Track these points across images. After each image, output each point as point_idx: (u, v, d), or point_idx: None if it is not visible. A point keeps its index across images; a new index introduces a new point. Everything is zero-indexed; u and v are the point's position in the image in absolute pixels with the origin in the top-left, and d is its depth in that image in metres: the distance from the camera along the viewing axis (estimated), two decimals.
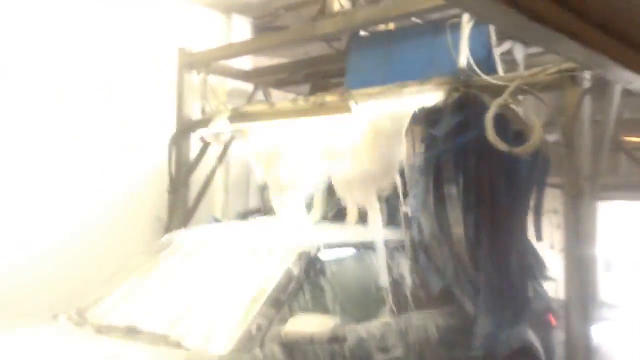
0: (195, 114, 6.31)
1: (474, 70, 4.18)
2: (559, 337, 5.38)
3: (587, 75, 3.88)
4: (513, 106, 4.06)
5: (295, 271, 3.64)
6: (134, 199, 6.26)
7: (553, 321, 5.13)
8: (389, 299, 4.04)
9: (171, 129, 6.35)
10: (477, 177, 4.49)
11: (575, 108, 3.86)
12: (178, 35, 6.56)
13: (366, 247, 4.21)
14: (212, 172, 6.35)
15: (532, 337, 4.95)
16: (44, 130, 5.62)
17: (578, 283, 4.01)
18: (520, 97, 4.12)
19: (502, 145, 3.97)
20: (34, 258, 5.34)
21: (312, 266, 3.74)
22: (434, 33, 4.81)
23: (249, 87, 7.17)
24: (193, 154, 6.34)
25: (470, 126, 4.50)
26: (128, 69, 6.26)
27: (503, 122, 4.09)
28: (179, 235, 4.61)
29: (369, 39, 5.52)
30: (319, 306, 3.65)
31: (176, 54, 6.41)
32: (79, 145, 5.87)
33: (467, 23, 4.33)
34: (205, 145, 6.13)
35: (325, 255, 3.87)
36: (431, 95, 4.27)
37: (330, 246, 3.98)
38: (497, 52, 4.54)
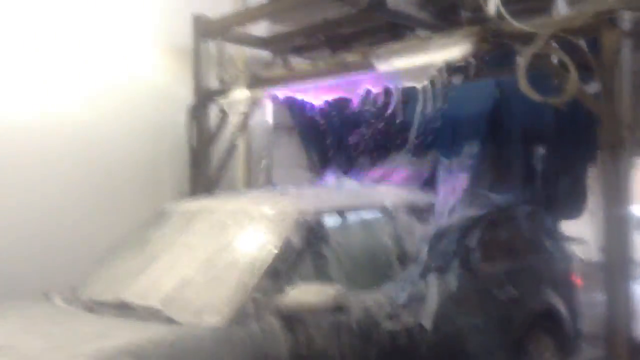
0: (213, 84, 6.16)
1: (503, 17, 3.93)
2: (584, 298, 5.31)
3: (627, 16, 3.63)
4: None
5: (295, 239, 3.45)
6: (155, 174, 6.19)
7: (578, 282, 5.03)
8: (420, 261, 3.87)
9: (189, 100, 6.22)
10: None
11: (615, 52, 3.61)
12: (191, 3, 6.39)
13: (375, 211, 4.02)
14: (233, 143, 6.20)
15: (556, 299, 4.87)
16: (60, 101, 5.53)
17: (618, 242, 3.81)
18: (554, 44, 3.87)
19: (535, 96, 3.76)
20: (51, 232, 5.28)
21: (312, 233, 3.55)
22: None
23: (267, 55, 6.97)
24: (212, 125, 6.21)
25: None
26: (143, 39, 6.14)
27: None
28: (174, 205, 4.40)
29: None
30: (322, 275, 3.47)
31: (191, 22, 6.25)
32: (96, 121, 5.78)
33: None
34: (225, 115, 5.99)
35: (327, 221, 3.69)
36: (458, 47, 4.04)
37: (334, 210, 3.81)
38: None
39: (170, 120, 6.30)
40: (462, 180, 4.48)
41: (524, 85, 3.74)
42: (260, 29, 6.83)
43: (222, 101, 5.77)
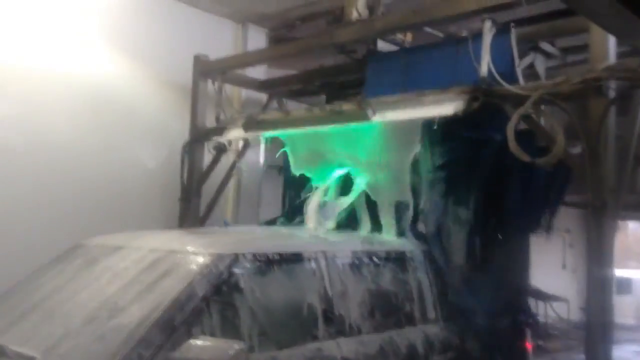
0: (209, 123, 6.28)
1: (495, 80, 4.09)
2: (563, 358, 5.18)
3: (612, 85, 3.79)
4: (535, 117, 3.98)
5: (200, 286, 3.02)
6: (145, 207, 6.22)
7: (528, 347, 4.83)
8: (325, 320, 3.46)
9: (185, 136, 6.31)
10: (493, 193, 4.47)
11: (601, 119, 3.76)
12: (194, 43, 6.56)
13: (312, 258, 3.61)
14: (225, 181, 6.29)
15: None
16: (54, 135, 5.59)
17: (600, 303, 3.84)
18: (542, 107, 4.03)
19: (524, 156, 3.88)
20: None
21: (225, 280, 3.13)
22: (454, 48, 4.76)
23: (262, 97, 7.13)
24: (206, 162, 6.30)
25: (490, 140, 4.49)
26: (143, 76, 6.26)
27: (526, 135, 4.02)
28: (93, 239, 4.00)
29: (387, 55, 5.46)
30: (231, 330, 3.05)
31: (191, 62, 6.39)
32: (92, 152, 5.85)
33: (489, 32, 4.25)
34: (219, 153, 6.09)
35: (249, 267, 3.27)
36: (451, 104, 4.18)
37: (263, 255, 3.38)
38: (518, 63, 4.46)
39: (164, 155, 6.39)
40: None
41: (512, 146, 3.85)
42: (258, 71, 7.01)
43: (218, 140, 5.86)
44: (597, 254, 3.86)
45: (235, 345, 2.75)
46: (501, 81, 4.06)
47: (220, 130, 5.85)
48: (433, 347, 3.99)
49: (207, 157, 6.27)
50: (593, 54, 3.91)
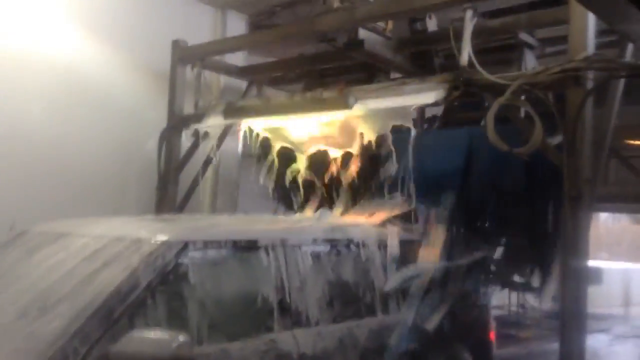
0: (187, 109, 6.21)
1: (475, 67, 4.11)
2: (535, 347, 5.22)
3: (590, 75, 3.84)
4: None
5: (144, 275, 2.85)
6: (121, 195, 6.14)
7: (492, 337, 4.82)
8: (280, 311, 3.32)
9: (162, 123, 6.23)
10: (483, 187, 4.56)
11: (578, 109, 3.81)
12: (172, 29, 6.46)
13: (268, 245, 3.43)
14: (203, 169, 6.23)
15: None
16: (28, 121, 5.48)
17: (575, 293, 3.88)
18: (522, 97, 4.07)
19: (502, 145, 3.92)
20: None
21: (173, 269, 2.96)
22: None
23: (241, 84, 7.08)
24: (183, 150, 6.23)
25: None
26: (121, 61, 6.16)
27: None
28: (40, 225, 3.79)
29: None
30: (178, 321, 2.90)
31: (170, 47, 6.30)
32: (67, 137, 5.75)
33: (470, 21, 4.27)
34: (197, 141, 6.03)
35: (202, 255, 3.12)
36: (432, 93, 4.20)
37: (219, 242, 3.24)
38: None
39: (141, 142, 6.30)
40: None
41: (491, 135, 3.89)
42: (237, 58, 6.95)
43: (196, 127, 5.81)
44: (572, 244, 3.90)
45: (179, 337, 2.61)
46: (482, 70, 4.08)
47: (199, 117, 5.79)
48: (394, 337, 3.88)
49: (185, 144, 6.21)
50: (572, 44, 3.95)
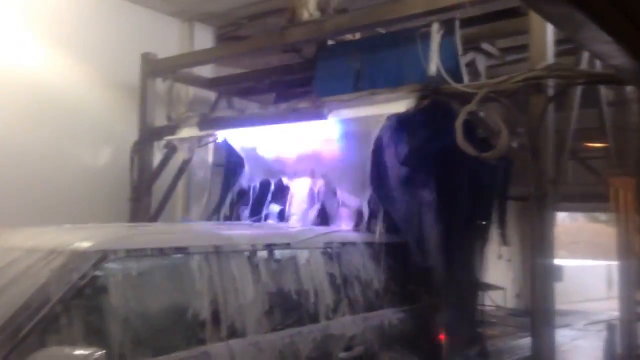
0: (158, 121, 6.26)
1: (443, 78, 4.31)
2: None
3: (551, 83, 4.07)
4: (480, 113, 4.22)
5: (56, 287, 2.64)
6: (93, 207, 6.13)
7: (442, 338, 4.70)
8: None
9: (131, 136, 6.27)
10: (442, 186, 4.67)
11: (541, 114, 4.03)
12: (139, 42, 6.52)
13: (200, 252, 3.24)
14: (175, 179, 6.29)
15: None
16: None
17: (543, 289, 4.08)
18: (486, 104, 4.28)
19: (471, 150, 4.10)
20: None
21: (91, 280, 2.75)
22: (403, 43, 4.95)
23: (210, 95, 7.15)
24: (155, 161, 6.27)
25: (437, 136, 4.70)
26: (88, 74, 6.17)
27: (470, 130, 4.24)
28: None
29: (338, 48, 5.61)
30: (99, 337, 2.71)
31: (137, 60, 6.35)
32: (35, 151, 5.73)
33: (437, 33, 4.46)
34: (170, 152, 6.08)
35: (116, 265, 2.89)
36: (402, 102, 4.37)
37: (134, 250, 2.99)
38: (462, 62, 4.70)
39: (111, 154, 6.32)
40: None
41: (460, 140, 4.07)
42: (205, 70, 7.02)
43: (169, 139, 5.86)
44: (538, 243, 4.10)
45: (93, 354, 2.43)
46: (449, 80, 4.28)
47: (171, 129, 5.85)
48: (338, 344, 3.79)
49: (157, 156, 6.25)
50: (533, 53, 4.18)
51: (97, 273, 2.79)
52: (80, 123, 6.12)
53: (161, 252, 3.12)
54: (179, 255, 3.21)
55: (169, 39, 7.06)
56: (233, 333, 3.21)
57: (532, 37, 4.19)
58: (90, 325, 2.73)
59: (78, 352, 2.46)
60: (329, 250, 4.07)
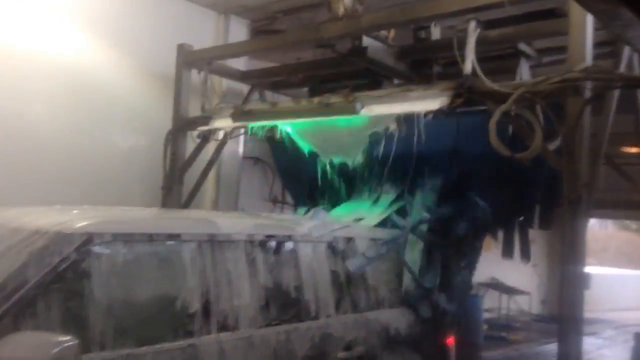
0: (192, 111, 6.34)
1: (477, 76, 4.28)
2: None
3: (588, 85, 4.02)
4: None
5: (33, 270, 2.54)
6: (127, 195, 6.25)
7: (450, 343, 4.72)
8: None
9: (166, 125, 6.35)
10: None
11: (577, 117, 3.98)
12: (175, 33, 6.60)
13: (193, 240, 3.12)
14: (207, 169, 6.36)
15: None
16: (34, 122, 5.58)
17: (573, 296, 4.02)
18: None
19: (504, 151, 4.07)
20: None
21: (70, 264, 2.63)
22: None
23: (243, 88, 7.21)
24: (188, 151, 6.36)
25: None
26: (126, 63, 6.27)
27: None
28: None
29: None
30: (79, 323, 2.60)
31: (172, 51, 6.43)
32: (72, 139, 5.86)
33: (473, 32, 4.44)
34: (202, 142, 6.16)
35: (101, 249, 2.76)
36: (436, 100, 4.36)
37: (121, 235, 2.85)
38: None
39: (146, 143, 6.42)
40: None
41: (494, 141, 4.04)
42: (238, 63, 7.08)
43: (202, 129, 5.93)
44: (569, 248, 4.04)
45: (64, 342, 2.33)
46: (484, 79, 4.25)
47: (205, 119, 5.92)
48: (333, 344, 3.69)
49: (190, 146, 6.34)
50: (571, 55, 4.12)
51: (80, 257, 2.67)
52: (117, 110, 6.24)
53: (150, 237, 2.98)
54: (170, 242, 3.07)
55: (204, 31, 7.13)
56: (224, 326, 3.12)
57: (570, 39, 4.13)
58: (69, 311, 2.61)
59: (50, 338, 2.37)
60: (333, 245, 4.01)
